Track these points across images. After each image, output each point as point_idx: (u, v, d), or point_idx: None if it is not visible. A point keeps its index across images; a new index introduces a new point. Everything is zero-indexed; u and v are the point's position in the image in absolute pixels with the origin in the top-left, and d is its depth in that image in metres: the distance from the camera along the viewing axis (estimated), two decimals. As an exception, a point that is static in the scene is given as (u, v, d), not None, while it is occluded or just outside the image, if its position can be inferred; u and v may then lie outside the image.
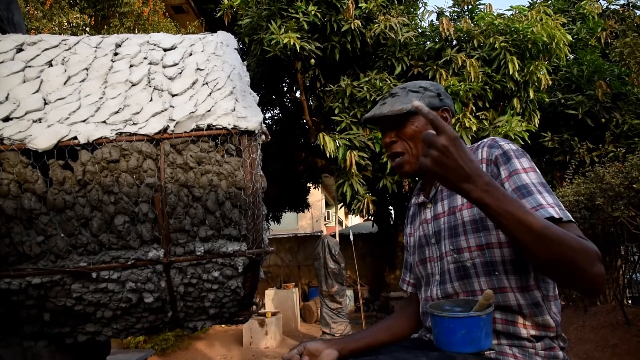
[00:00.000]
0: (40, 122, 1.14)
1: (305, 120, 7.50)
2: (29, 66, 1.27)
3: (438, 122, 0.91)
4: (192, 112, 1.19)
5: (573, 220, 1.02)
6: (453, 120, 1.41)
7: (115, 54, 1.36)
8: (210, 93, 1.24)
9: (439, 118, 0.91)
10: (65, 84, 1.25)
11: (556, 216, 0.99)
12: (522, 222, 0.90)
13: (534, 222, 0.90)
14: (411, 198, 1.46)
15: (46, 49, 1.33)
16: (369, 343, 1.29)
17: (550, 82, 6.30)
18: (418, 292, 1.37)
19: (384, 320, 1.41)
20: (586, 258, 0.91)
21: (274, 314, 7.55)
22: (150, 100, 1.23)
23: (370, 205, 6.23)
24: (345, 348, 1.23)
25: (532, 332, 1.08)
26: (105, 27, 6.04)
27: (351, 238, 8.52)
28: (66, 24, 5.52)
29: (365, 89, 6.15)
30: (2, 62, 1.27)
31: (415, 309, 1.38)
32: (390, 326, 1.37)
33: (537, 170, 1.11)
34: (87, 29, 5.84)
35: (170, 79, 1.29)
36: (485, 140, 1.21)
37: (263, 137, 1.23)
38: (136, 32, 6.06)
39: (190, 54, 1.37)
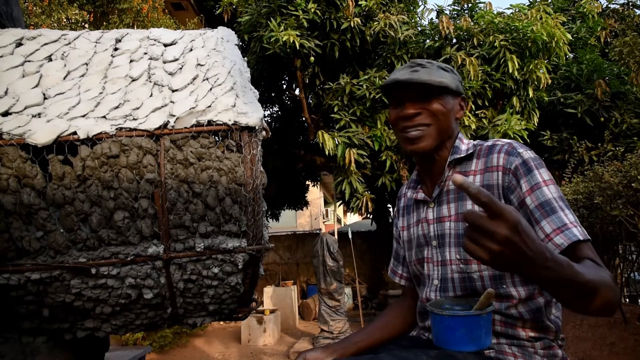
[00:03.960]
0: (39, 116, 1.14)
1: (304, 118, 7.48)
2: (29, 61, 1.27)
3: (495, 206, 0.71)
4: (193, 108, 1.18)
5: (589, 238, 1.00)
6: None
7: (115, 49, 1.36)
8: (211, 89, 1.24)
9: (494, 199, 0.72)
10: (64, 78, 1.24)
11: (582, 238, 0.97)
12: (571, 284, 0.84)
13: (584, 281, 0.85)
14: (405, 188, 1.39)
15: (46, 44, 1.32)
16: (368, 344, 1.28)
17: (550, 81, 6.29)
18: (411, 286, 1.36)
19: (379, 317, 1.38)
20: (616, 292, 0.91)
21: (272, 312, 7.55)
22: (151, 96, 1.23)
23: (369, 203, 6.22)
24: (345, 353, 1.21)
25: (531, 334, 1.08)
26: (104, 23, 6.02)
27: (350, 236, 8.52)
28: (65, 20, 5.50)
29: (364, 86, 6.13)
30: (2, 56, 1.26)
31: (410, 304, 1.36)
32: (386, 324, 1.35)
33: (555, 181, 1.07)
34: (86, 26, 5.82)
35: (171, 74, 1.28)
36: (500, 143, 1.14)
37: (263, 133, 1.23)
38: (135, 29, 6.04)
39: (191, 50, 1.37)
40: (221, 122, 1.17)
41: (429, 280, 1.22)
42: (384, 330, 1.33)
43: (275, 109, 9.60)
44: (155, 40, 1.39)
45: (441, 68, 1.20)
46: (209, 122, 1.18)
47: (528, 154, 1.10)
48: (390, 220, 10.00)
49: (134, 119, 1.16)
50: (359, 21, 6.14)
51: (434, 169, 1.23)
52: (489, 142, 1.18)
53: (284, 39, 5.72)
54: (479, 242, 0.75)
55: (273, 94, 9.06)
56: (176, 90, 1.24)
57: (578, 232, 0.98)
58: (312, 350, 1.21)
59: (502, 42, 5.95)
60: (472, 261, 1.10)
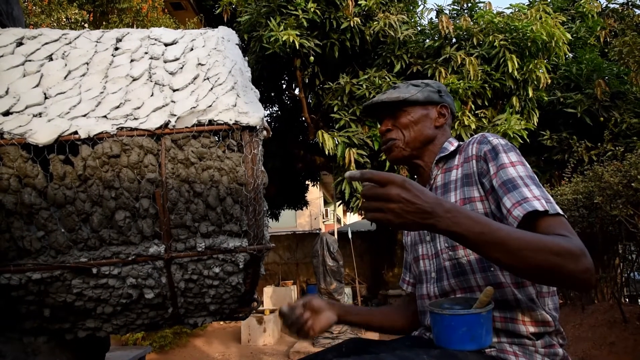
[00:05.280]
0: (40, 116, 1.13)
1: (304, 118, 7.49)
2: (29, 60, 1.26)
3: (378, 176, 0.86)
4: (194, 107, 1.18)
5: (561, 213, 0.99)
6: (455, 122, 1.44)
7: (116, 49, 1.36)
8: (212, 88, 1.24)
9: (375, 172, 0.86)
10: (65, 78, 1.24)
11: (541, 209, 0.96)
12: (494, 241, 0.87)
13: (506, 238, 0.87)
14: None
15: (46, 43, 1.32)
16: (367, 321, 1.35)
17: (549, 81, 6.30)
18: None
19: (385, 306, 1.45)
20: (569, 259, 0.88)
21: (272, 312, 7.55)
22: (151, 95, 1.22)
23: (369, 203, 6.21)
24: (344, 316, 1.30)
25: (531, 328, 1.08)
26: (104, 23, 6.02)
27: (349, 236, 8.52)
28: (65, 20, 5.50)
29: (364, 86, 6.14)
30: (2, 55, 1.26)
31: (414, 308, 1.38)
32: (389, 313, 1.41)
33: (526, 164, 1.09)
34: (86, 25, 5.82)
35: (172, 73, 1.28)
36: (475, 136, 1.21)
37: (264, 132, 1.23)
38: (135, 28, 6.03)
39: (192, 49, 1.37)
40: (222, 122, 1.17)
41: (427, 276, 1.25)
42: (385, 318, 1.39)
43: (275, 108, 9.61)
44: (156, 39, 1.39)
45: (412, 85, 1.33)
46: (210, 122, 1.18)
47: (497, 140, 1.15)
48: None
49: (135, 119, 1.16)
50: (359, 21, 6.15)
51: (424, 172, 1.32)
52: (468, 139, 1.25)
53: (283, 39, 5.72)
54: (379, 208, 0.86)
55: (273, 94, 9.07)
56: (177, 89, 1.24)
57: (539, 204, 0.97)
58: (318, 299, 1.29)
59: (501, 42, 5.95)
60: (458, 246, 1.14)
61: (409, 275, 1.46)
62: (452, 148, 1.26)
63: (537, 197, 0.99)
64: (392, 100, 1.28)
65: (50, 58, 1.29)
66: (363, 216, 9.81)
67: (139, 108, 1.18)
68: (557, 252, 0.88)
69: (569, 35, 6.23)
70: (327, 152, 6.02)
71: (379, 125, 1.38)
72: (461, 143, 1.28)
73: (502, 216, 1.07)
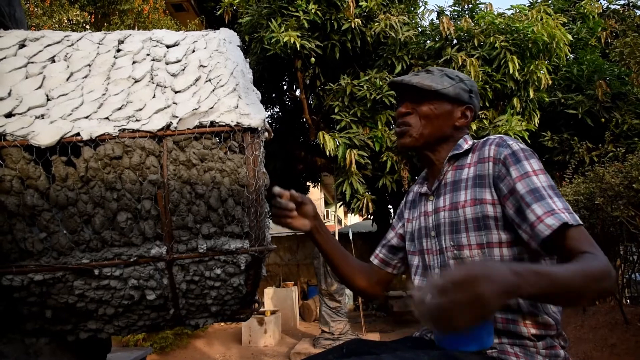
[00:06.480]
0: (42, 118, 1.14)
1: (305, 119, 7.49)
2: (32, 62, 1.27)
3: (446, 280, 0.75)
4: (195, 109, 1.19)
5: (581, 223, 1.02)
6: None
7: (118, 50, 1.36)
8: (213, 90, 1.24)
9: (443, 283, 0.76)
10: (67, 80, 1.24)
11: (569, 222, 0.99)
12: (553, 290, 0.86)
13: (560, 283, 0.86)
14: (414, 183, 1.46)
15: (49, 45, 1.32)
16: (333, 256, 1.40)
17: (550, 82, 6.29)
18: (381, 268, 1.47)
19: (359, 261, 1.49)
20: (607, 280, 0.92)
21: (273, 313, 7.55)
22: (153, 97, 1.23)
23: (370, 204, 6.22)
24: (315, 234, 1.35)
25: (533, 330, 1.08)
26: (106, 24, 6.04)
27: (350, 237, 8.52)
28: (66, 21, 5.51)
29: (365, 87, 6.13)
30: (5, 58, 1.26)
31: (374, 275, 1.46)
32: (360, 270, 1.45)
33: (546, 172, 1.11)
34: (87, 27, 5.83)
35: (173, 75, 1.29)
36: (493, 137, 1.20)
37: (266, 134, 1.23)
38: (136, 30, 6.04)
39: (193, 51, 1.37)
40: (224, 124, 1.18)
41: (431, 271, 1.26)
42: (352, 269, 1.44)
43: (276, 110, 9.61)
44: (157, 41, 1.40)
45: (447, 75, 1.27)
46: (212, 124, 1.18)
47: (517, 145, 1.15)
48: (391, 221, 9.98)
49: (136, 120, 1.17)
50: (360, 22, 6.14)
51: (434, 167, 1.31)
52: (485, 138, 1.23)
53: (284, 40, 5.73)
54: (464, 315, 0.74)
55: (274, 95, 9.07)
56: (179, 91, 1.25)
57: (566, 217, 1.00)
58: (311, 205, 1.34)
59: (502, 43, 5.95)
60: (464, 247, 1.15)
61: (380, 250, 1.50)
62: (466, 146, 1.25)
63: (562, 210, 1.02)
64: (423, 87, 1.23)
65: (52, 60, 1.30)
66: (363, 217, 9.82)
67: (140, 110, 1.19)
68: (599, 279, 0.91)
69: (569, 36, 6.22)
70: (328, 154, 6.02)
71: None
72: (475, 141, 1.26)
73: (521, 221, 1.06)
